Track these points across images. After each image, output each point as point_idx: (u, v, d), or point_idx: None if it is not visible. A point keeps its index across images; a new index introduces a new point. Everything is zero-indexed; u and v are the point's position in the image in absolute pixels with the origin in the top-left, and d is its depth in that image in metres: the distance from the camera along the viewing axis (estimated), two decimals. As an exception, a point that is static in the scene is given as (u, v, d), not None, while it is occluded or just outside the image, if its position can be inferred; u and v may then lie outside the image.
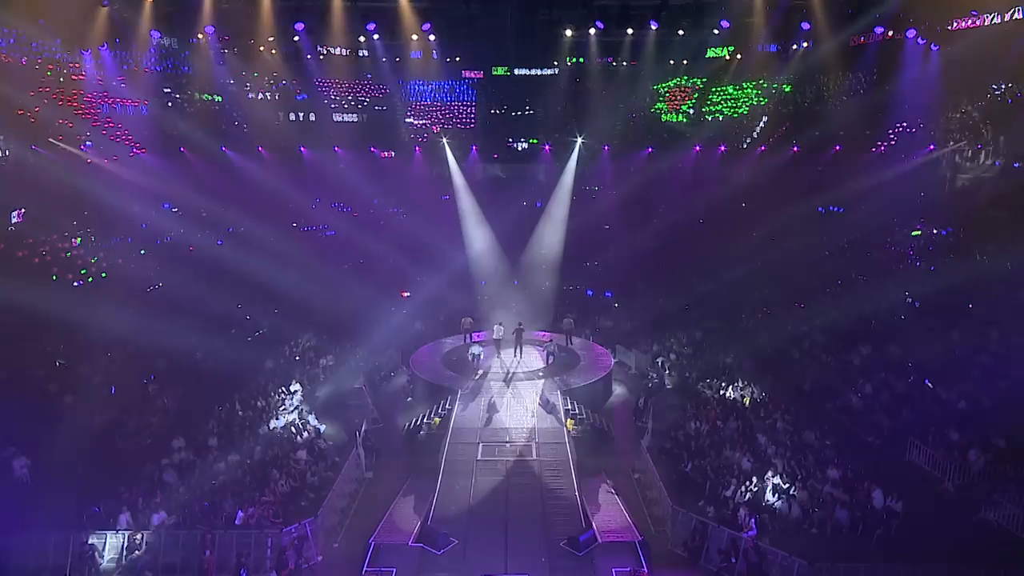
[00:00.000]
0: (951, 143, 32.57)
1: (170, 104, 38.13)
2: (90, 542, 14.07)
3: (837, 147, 37.83)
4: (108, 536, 14.30)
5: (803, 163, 38.57)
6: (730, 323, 28.22)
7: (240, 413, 20.41)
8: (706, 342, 26.70)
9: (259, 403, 21.06)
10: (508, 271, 35.27)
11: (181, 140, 35.63)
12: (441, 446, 18.89)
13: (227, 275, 28.03)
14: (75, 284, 25.51)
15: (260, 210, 34.38)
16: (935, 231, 31.12)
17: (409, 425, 21.03)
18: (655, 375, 24.84)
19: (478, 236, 37.00)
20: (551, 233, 37.18)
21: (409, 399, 24.00)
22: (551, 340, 25.79)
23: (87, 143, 30.60)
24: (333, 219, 39.92)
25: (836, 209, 35.84)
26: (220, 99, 40.93)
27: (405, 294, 33.42)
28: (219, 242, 32.20)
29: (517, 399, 21.52)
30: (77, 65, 32.58)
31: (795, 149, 39.24)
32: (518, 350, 25.14)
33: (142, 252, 29.48)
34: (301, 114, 44.77)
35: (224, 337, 24.77)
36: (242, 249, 30.13)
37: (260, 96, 43.43)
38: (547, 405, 20.97)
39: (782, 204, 33.81)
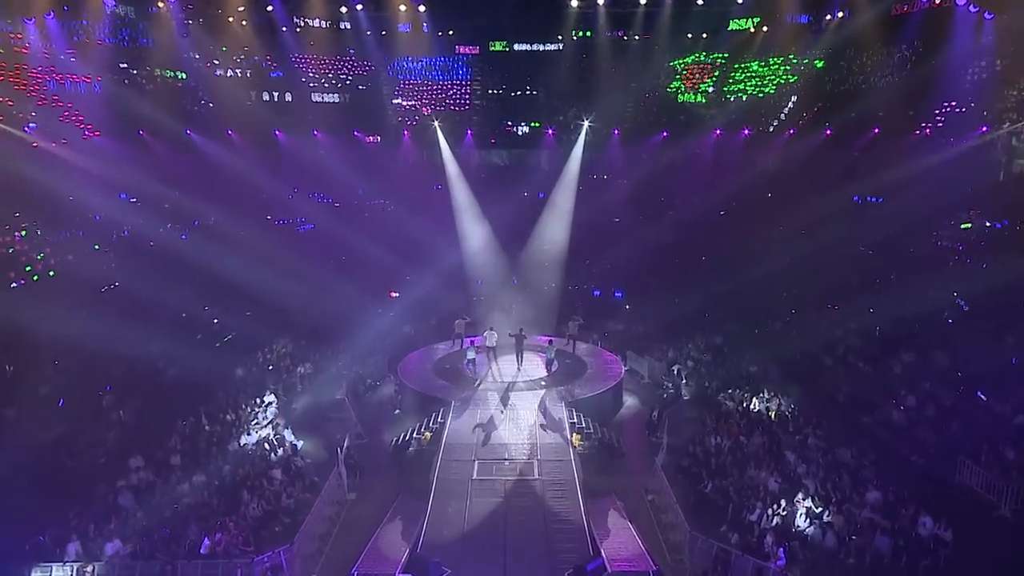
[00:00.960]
0: (1007, 124, 32.43)
1: (127, 81, 38.11)
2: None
3: (875, 130, 37.74)
4: (54, 569, 14.10)
5: (837, 148, 38.49)
6: (754, 327, 28.16)
7: (207, 428, 20.33)
8: (727, 348, 26.67)
9: (228, 416, 21.02)
10: (507, 269, 35.28)
11: (140, 122, 35.61)
12: (432, 464, 18.81)
13: (192, 273, 28.03)
14: (15, 284, 25.25)
15: (230, 201, 34.40)
16: (988, 223, 31.00)
17: (397, 440, 20.99)
18: (670, 385, 24.80)
19: (474, 230, 37.08)
20: (555, 227, 37.16)
21: (397, 411, 23.97)
22: (550, 342, 25.70)
23: (31, 124, 30.54)
24: (312, 211, 39.97)
25: (874, 199, 35.80)
26: (184, 76, 40.93)
27: (393, 294, 33.41)
28: (183, 236, 32.19)
29: (517, 412, 21.42)
30: (19, 36, 32.50)
31: (828, 132, 39.21)
32: (519, 357, 25.06)
33: (95, 247, 29.42)
34: (276, 94, 44.79)
35: (189, 343, 24.69)
36: (209, 244, 30.09)
37: (229, 73, 43.44)
38: (550, 418, 20.88)
39: (813, 194, 33.85)
